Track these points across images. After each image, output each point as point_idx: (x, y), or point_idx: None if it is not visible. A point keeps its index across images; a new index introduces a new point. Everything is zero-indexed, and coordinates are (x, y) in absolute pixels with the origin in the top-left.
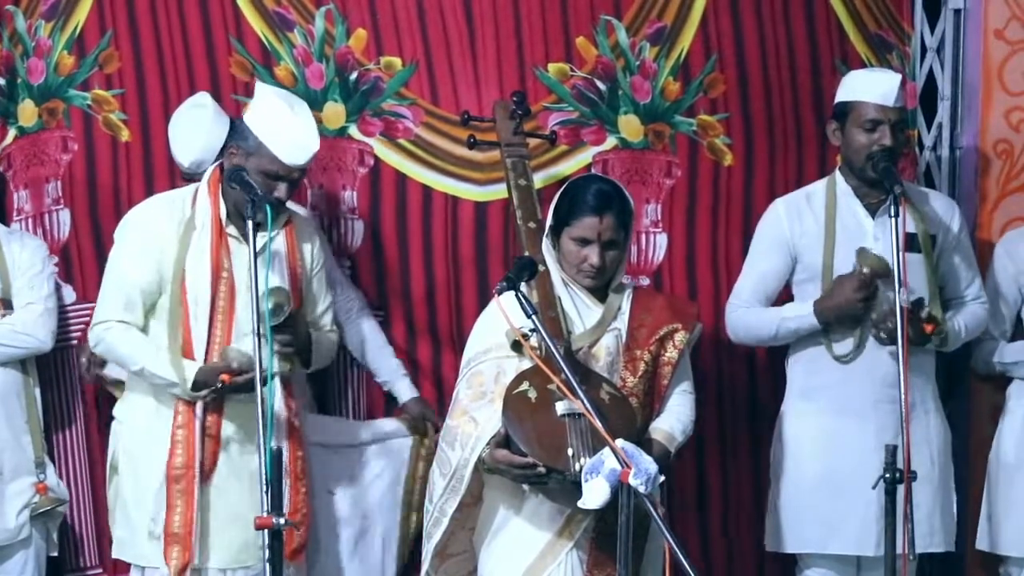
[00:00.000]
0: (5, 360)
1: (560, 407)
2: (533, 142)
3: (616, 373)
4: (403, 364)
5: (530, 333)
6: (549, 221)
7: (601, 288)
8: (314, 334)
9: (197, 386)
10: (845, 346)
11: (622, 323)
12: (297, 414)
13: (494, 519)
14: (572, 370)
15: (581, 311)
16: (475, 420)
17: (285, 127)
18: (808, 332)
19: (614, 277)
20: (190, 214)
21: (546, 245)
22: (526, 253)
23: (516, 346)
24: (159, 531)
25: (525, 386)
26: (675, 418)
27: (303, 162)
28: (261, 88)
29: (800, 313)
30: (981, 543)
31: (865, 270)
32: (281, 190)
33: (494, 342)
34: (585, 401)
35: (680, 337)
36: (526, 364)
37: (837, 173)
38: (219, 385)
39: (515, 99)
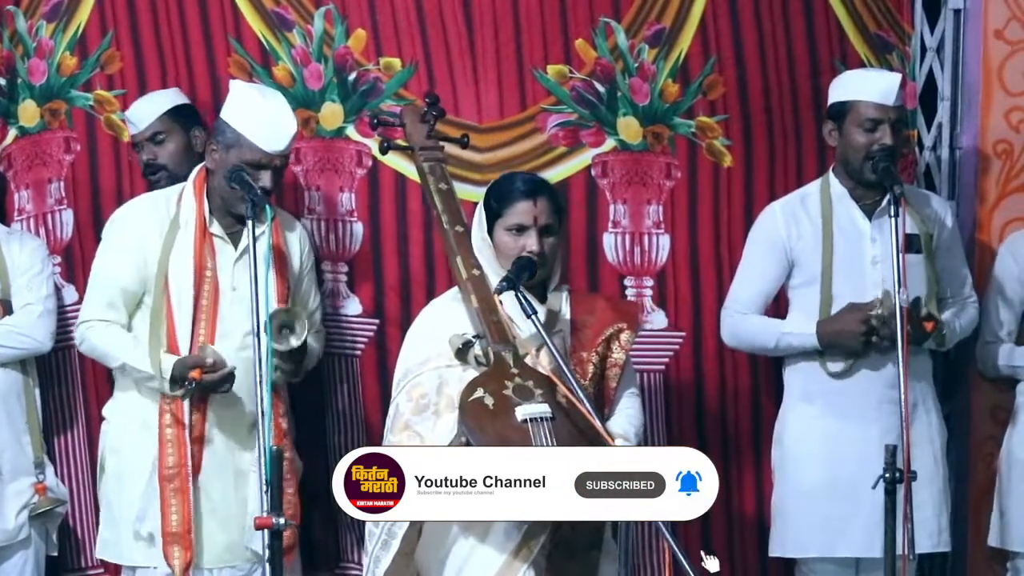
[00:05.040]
0: (4, 361)
1: (520, 412)
2: (528, 146)
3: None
4: None
5: (474, 340)
6: (481, 220)
7: (539, 288)
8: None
9: (174, 380)
10: (837, 365)
11: (564, 325)
12: (284, 414)
13: (445, 539)
14: (527, 375)
15: (522, 314)
16: (419, 435)
17: (260, 114)
18: (807, 349)
19: (551, 276)
20: (175, 213)
21: (478, 247)
22: (457, 259)
23: (460, 354)
24: (145, 531)
25: (480, 392)
26: (627, 420)
27: (283, 147)
28: (234, 85)
29: (802, 331)
30: (992, 539)
31: (879, 311)
32: (266, 179)
33: (433, 351)
34: (585, 400)
35: (626, 337)
36: (471, 373)
37: (831, 174)
38: (190, 382)
39: (428, 100)
